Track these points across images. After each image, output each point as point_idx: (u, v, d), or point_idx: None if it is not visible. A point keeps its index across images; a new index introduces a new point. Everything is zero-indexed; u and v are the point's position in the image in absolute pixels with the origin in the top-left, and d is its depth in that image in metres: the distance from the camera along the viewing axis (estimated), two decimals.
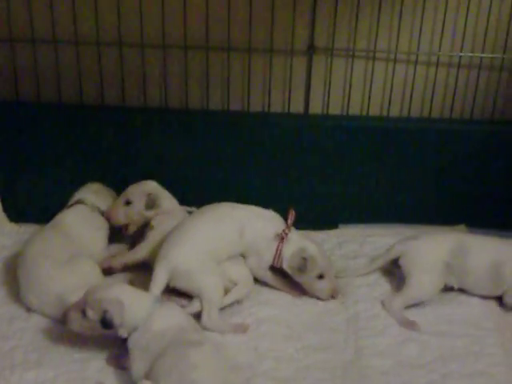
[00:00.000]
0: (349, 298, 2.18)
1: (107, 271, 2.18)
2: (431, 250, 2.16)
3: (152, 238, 2.20)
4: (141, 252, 2.20)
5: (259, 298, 2.17)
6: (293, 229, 2.19)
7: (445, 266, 2.14)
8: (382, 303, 2.13)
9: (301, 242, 2.16)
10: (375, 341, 2.01)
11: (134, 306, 1.80)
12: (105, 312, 1.77)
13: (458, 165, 2.45)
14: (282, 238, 2.15)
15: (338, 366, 1.92)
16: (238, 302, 2.13)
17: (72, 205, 2.28)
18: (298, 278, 2.16)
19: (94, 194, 2.33)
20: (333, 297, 2.17)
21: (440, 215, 2.51)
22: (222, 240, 2.12)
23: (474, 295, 2.17)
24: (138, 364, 1.76)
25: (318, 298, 2.17)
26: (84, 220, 2.24)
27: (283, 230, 2.15)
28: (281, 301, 2.17)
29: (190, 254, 2.06)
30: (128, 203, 2.25)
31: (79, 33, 2.32)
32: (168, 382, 1.67)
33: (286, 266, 2.16)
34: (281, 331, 2.04)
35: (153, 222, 2.24)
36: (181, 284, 2.05)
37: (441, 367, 1.92)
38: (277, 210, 2.33)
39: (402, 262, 2.17)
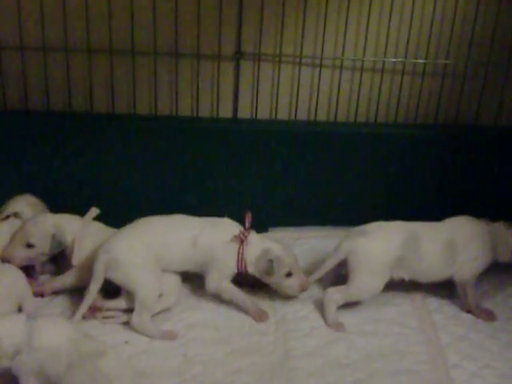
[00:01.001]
0: (277, 301, 2.19)
1: (39, 295, 2.13)
2: (380, 248, 2.11)
3: (76, 263, 2.14)
4: (70, 278, 2.14)
5: (189, 303, 2.16)
6: (252, 231, 2.16)
7: (395, 261, 2.11)
8: (323, 294, 2.13)
9: (263, 243, 2.14)
10: (303, 342, 2.03)
11: (8, 332, 1.69)
12: None
13: (383, 167, 2.50)
14: (242, 241, 2.12)
15: (266, 369, 1.93)
16: (167, 308, 2.12)
17: (8, 216, 2.20)
18: (266, 280, 2.15)
19: (28, 208, 2.26)
20: (303, 290, 2.17)
21: (368, 216, 2.55)
22: (171, 246, 2.10)
23: (417, 287, 2.21)
24: None
25: (289, 296, 2.18)
26: None
27: (241, 232, 2.13)
28: (210, 305, 2.16)
29: (131, 247, 2.04)
30: (29, 246, 2.12)
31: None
32: None
33: (251, 270, 2.13)
34: (210, 336, 2.04)
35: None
36: (117, 275, 2.02)
37: (367, 366, 1.95)
38: (206, 214, 2.35)
39: (349, 260, 2.13)
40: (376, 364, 1.97)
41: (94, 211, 2.21)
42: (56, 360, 1.68)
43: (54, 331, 1.73)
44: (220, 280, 2.12)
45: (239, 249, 2.12)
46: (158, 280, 2.07)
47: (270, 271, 2.11)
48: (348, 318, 2.13)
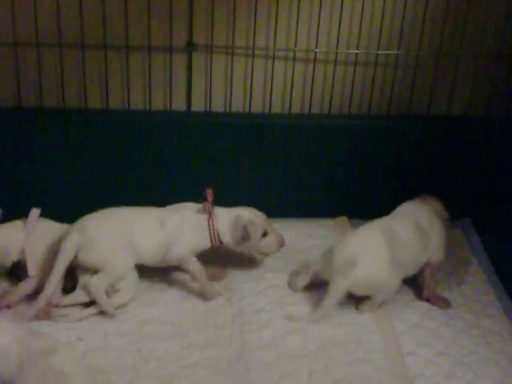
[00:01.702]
0: (234, 294, 2.19)
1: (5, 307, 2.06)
2: (378, 269, 2.07)
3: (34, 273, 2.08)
4: (32, 283, 2.09)
5: (143, 298, 2.14)
6: (216, 206, 2.16)
7: (394, 267, 2.08)
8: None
9: (231, 212, 2.16)
10: (260, 334, 2.03)
11: None
12: None
13: (339, 159, 2.50)
14: (210, 214, 2.12)
15: (222, 362, 1.93)
16: (124, 304, 2.10)
17: None
18: (243, 247, 2.17)
19: None
20: (282, 246, 2.19)
21: (324, 208, 2.57)
22: (140, 231, 2.10)
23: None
24: None
25: (269, 255, 2.22)
26: None
27: (205, 205, 2.12)
28: (165, 300, 2.15)
29: (106, 226, 2.07)
30: None
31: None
32: None
33: (226, 240, 2.14)
34: (165, 330, 2.03)
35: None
36: (90, 256, 2.03)
37: (323, 356, 1.96)
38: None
39: (357, 292, 2.10)
40: (332, 354, 1.98)
41: (35, 213, 2.14)
42: (5, 361, 1.63)
43: (2, 330, 1.69)
44: (187, 251, 2.12)
45: (209, 221, 2.12)
46: (129, 261, 2.07)
47: (246, 237, 2.12)
48: (303, 308, 2.13)
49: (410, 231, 2.15)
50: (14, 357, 1.64)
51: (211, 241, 2.14)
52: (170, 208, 2.19)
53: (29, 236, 2.10)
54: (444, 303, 2.19)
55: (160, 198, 2.27)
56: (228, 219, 2.14)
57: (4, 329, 1.70)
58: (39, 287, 2.06)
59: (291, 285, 2.22)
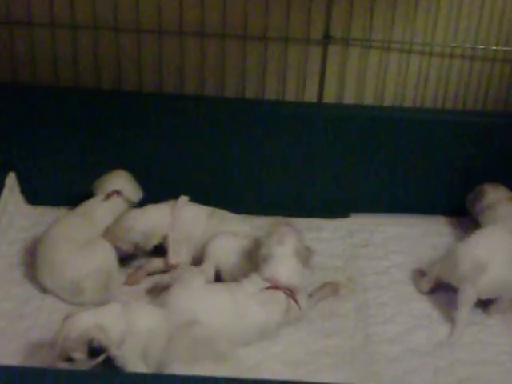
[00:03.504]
0: (358, 286, 2.20)
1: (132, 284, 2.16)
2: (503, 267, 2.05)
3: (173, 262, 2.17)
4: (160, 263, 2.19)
5: None
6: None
7: None
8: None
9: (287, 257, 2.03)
10: (384, 328, 2.04)
11: (110, 321, 1.73)
12: (90, 342, 1.67)
13: (468, 156, 2.45)
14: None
15: (346, 352, 1.96)
16: None
17: (109, 195, 2.24)
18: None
19: (128, 185, 2.29)
20: None
21: (448, 206, 2.53)
22: None
23: None
24: (140, 368, 1.74)
25: None
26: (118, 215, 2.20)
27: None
28: None
29: None
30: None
31: (97, 17, 2.35)
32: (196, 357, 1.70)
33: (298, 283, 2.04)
34: None
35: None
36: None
37: (448, 354, 1.96)
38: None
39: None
40: (457, 353, 1.96)
41: (184, 200, 2.23)
42: (157, 338, 1.75)
43: (148, 312, 1.81)
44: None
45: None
46: None
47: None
48: (428, 304, 2.13)
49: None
50: (164, 333, 1.75)
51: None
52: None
53: (174, 223, 2.18)
54: None
55: (288, 184, 2.32)
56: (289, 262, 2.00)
57: (149, 312, 1.82)
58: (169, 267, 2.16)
59: (417, 286, 2.20)
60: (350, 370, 1.89)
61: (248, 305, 1.93)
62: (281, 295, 1.96)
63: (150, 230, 2.16)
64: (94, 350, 1.67)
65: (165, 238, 2.18)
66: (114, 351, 1.70)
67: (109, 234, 2.14)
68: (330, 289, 2.14)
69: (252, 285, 1.95)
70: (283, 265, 1.98)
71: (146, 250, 2.19)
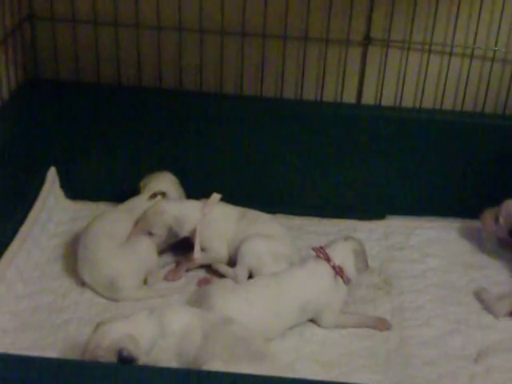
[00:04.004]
0: (393, 289, 2.19)
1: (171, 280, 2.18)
2: None
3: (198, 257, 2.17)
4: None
5: None
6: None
7: None
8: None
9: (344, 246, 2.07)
10: (420, 331, 2.03)
11: (140, 330, 1.73)
12: (120, 352, 1.67)
13: (508, 160, 2.43)
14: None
15: (381, 354, 1.95)
16: None
17: (155, 195, 2.23)
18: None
19: (173, 188, 2.30)
20: None
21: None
22: None
23: None
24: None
25: None
26: None
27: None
28: None
29: None
30: (150, 234, 2.15)
31: (139, 16, 2.37)
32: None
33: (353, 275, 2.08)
34: None
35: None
36: None
37: (484, 360, 1.94)
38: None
39: None
40: (493, 359, 1.94)
41: (216, 198, 2.22)
42: (192, 336, 1.75)
43: (180, 311, 1.82)
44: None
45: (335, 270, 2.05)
46: None
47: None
48: (465, 308, 2.12)
49: None
50: (199, 331, 1.76)
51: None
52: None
53: (204, 219, 2.18)
54: None
55: (325, 185, 2.34)
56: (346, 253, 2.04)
57: (180, 311, 1.83)
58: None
59: (492, 310, 2.11)
60: (385, 373, 1.89)
61: (292, 276, 2.00)
62: (328, 268, 1.99)
63: (182, 216, 2.16)
64: (124, 360, 1.67)
65: (194, 231, 2.17)
66: (143, 359, 1.71)
67: (141, 220, 2.15)
68: (377, 322, 2.06)
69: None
70: (340, 251, 2.03)
71: (178, 238, 2.19)
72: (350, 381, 1.83)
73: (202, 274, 2.22)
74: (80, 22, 2.38)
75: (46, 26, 2.39)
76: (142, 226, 2.15)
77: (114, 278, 2.04)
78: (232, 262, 2.19)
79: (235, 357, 1.70)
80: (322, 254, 2.02)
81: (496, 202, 2.38)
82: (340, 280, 2.01)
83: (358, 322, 2.05)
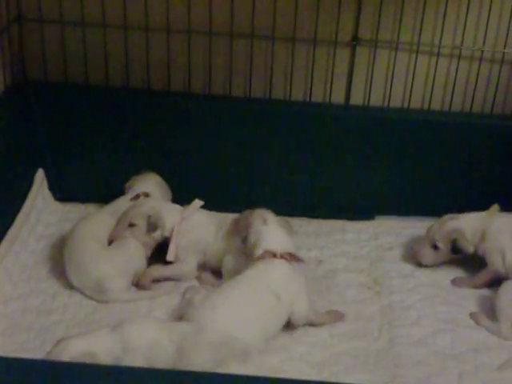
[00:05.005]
0: (383, 289, 2.20)
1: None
2: None
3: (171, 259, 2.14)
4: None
5: None
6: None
7: None
8: None
9: None
10: (409, 331, 2.03)
11: (101, 347, 1.68)
12: None
13: (497, 160, 2.44)
14: None
15: (371, 354, 1.95)
16: None
17: (137, 196, 2.21)
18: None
19: (157, 189, 2.29)
20: None
21: (474, 210, 2.51)
22: None
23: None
24: None
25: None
26: None
27: None
28: None
29: None
30: (132, 225, 2.13)
31: (127, 17, 2.37)
32: None
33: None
34: None
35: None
36: None
37: (473, 359, 1.94)
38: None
39: None
40: (482, 357, 1.95)
41: (197, 204, 2.20)
42: (161, 350, 1.71)
43: (143, 326, 1.76)
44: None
45: None
46: None
47: None
48: (454, 308, 2.12)
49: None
50: (167, 344, 1.71)
51: None
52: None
53: (182, 223, 2.15)
54: None
55: (314, 186, 2.35)
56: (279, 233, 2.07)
57: (144, 325, 1.77)
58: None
59: (490, 329, 2.06)
60: (375, 373, 1.89)
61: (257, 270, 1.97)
62: (281, 262, 1.98)
63: (162, 211, 2.14)
64: None
65: (172, 231, 2.14)
66: None
67: (122, 215, 2.14)
68: (334, 317, 2.07)
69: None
70: (275, 237, 2.03)
71: (160, 239, 2.16)
72: (340, 381, 1.83)
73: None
74: (68, 24, 2.37)
75: (34, 28, 2.39)
76: (122, 221, 2.13)
77: (100, 280, 2.04)
78: (215, 274, 2.17)
79: (220, 361, 1.68)
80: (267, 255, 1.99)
81: (484, 200, 2.39)
82: (295, 264, 2.01)
83: (322, 318, 2.05)
